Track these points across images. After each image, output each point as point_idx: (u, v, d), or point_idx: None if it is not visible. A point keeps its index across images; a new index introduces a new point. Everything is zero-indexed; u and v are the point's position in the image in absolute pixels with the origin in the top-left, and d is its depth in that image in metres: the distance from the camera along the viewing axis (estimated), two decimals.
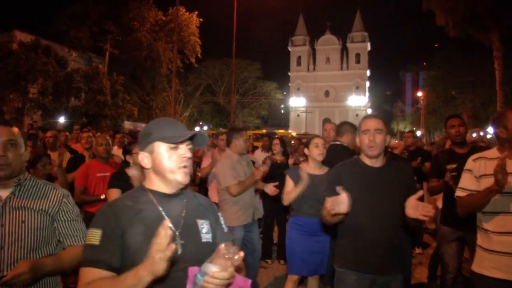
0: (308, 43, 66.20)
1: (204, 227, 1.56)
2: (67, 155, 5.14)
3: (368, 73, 63.67)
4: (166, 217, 1.47)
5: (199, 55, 31.45)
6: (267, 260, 5.64)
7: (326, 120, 4.79)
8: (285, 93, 63.59)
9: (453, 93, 37.80)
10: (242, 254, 1.27)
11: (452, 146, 3.84)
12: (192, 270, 1.34)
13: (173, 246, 1.17)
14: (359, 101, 60.58)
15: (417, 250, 5.94)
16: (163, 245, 1.16)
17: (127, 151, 3.48)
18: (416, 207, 2.19)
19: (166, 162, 1.49)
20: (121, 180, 3.35)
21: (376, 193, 2.42)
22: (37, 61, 20.47)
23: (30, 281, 1.57)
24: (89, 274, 1.34)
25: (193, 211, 1.58)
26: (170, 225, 1.25)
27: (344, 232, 2.56)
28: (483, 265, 2.43)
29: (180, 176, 1.50)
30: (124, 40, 29.08)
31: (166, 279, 1.29)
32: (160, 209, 1.49)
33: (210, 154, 5.45)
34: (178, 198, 1.56)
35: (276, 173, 5.03)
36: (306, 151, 3.75)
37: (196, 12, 30.59)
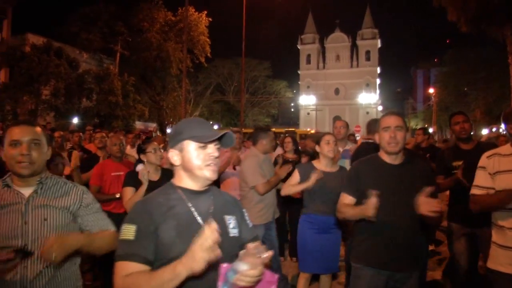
0: (317, 41, 66.06)
1: (231, 222, 1.62)
2: (76, 154, 5.23)
3: (378, 70, 63.33)
4: (196, 212, 1.54)
5: (208, 54, 31.54)
6: (280, 258, 5.62)
7: (337, 118, 4.84)
8: (294, 91, 63.55)
9: (465, 89, 37.42)
10: (270, 253, 1.32)
11: (457, 142, 3.85)
12: (224, 267, 1.38)
13: (219, 251, 1.23)
14: (369, 99, 60.24)
15: (430, 247, 5.93)
16: (206, 245, 1.22)
17: (141, 150, 3.54)
18: (427, 204, 2.22)
19: (194, 160, 1.55)
20: (135, 178, 3.43)
21: (396, 190, 2.44)
22: (50, 63, 20.70)
23: (60, 255, 1.62)
24: (126, 267, 1.39)
25: (221, 207, 1.63)
26: (215, 224, 1.26)
27: (362, 229, 2.58)
28: (499, 261, 2.43)
29: (208, 173, 1.55)
30: (134, 41, 29.29)
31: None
32: (190, 205, 1.55)
33: (223, 152, 5.47)
34: (206, 194, 1.62)
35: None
36: (317, 148, 3.79)
37: (205, 12, 30.69)
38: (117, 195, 3.87)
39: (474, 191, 2.56)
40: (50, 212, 1.80)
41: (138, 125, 28.10)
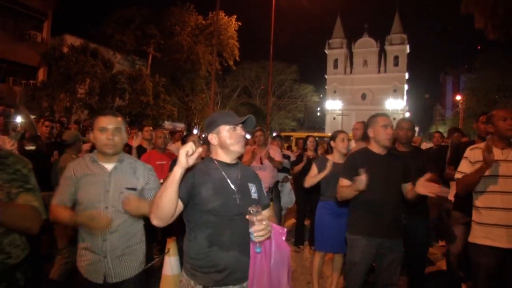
0: (345, 45, 65.95)
1: (253, 188, 2.15)
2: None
3: (406, 76, 62.66)
4: (228, 178, 2.06)
5: (237, 58, 32.11)
6: (300, 246, 6.30)
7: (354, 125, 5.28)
8: (321, 95, 63.59)
9: (496, 96, 36.74)
10: (264, 212, 1.95)
11: (476, 139, 4.27)
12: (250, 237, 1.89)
13: (200, 149, 1.78)
14: (396, 105, 59.65)
15: (441, 243, 6.27)
16: (187, 149, 1.75)
17: (184, 141, 4.04)
18: (426, 186, 2.79)
19: (228, 139, 2.09)
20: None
21: (384, 175, 3.04)
22: (86, 63, 21.65)
23: (134, 212, 2.20)
24: None
25: (246, 177, 2.17)
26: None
27: (357, 206, 3.18)
28: (476, 235, 3.04)
29: (238, 147, 2.11)
30: (166, 43, 30.16)
31: (229, 221, 1.98)
32: (223, 173, 2.07)
33: (250, 149, 6.00)
34: (235, 166, 2.16)
35: (309, 166, 5.67)
36: (332, 143, 4.44)
37: (235, 16, 31.29)
38: (161, 181, 4.34)
39: (457, 175, 3.20)
40: (125, 183, 2.29)
41: (167, 124, 28.85)
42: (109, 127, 2.29)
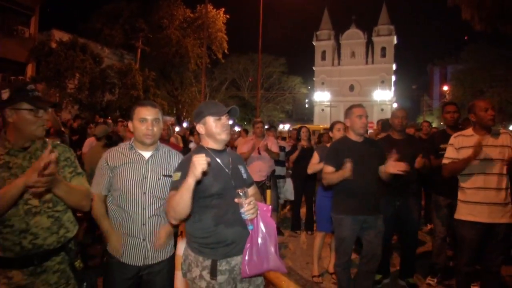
0: (333, 37, 66.23)
1: (242, 170, 2.45)
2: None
3: (394, 67, 63.25)
4: (222, 164, 2.33)
5: (226, 51, 32.18)
6: (297, 231, 6.74)
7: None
8: (309, 87, 63.88)
9: (482, 87, 37.30)
10: (249, 190, 2.26)
11: (447, 129, 4.60)
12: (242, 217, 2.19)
13: (205, 165, 1.96)
14: (384, 96, 60.34)
15: (429, 226, 6.66)
16: (198, 161, 1.95)
17: (192, 132, 4.29)
18: (394, 166, 3.25)
19: (214, 128, 2.33)
20: (186, 153, 4.20)
21: (362, 159, 3.40)
22: (75, 58, 21.56)
23: None
24: (173, 193, 2.15)
25: (235, 160, 2.45)
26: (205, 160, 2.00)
27: (340, 189, 3.56)
28: (461, 212, 3.45)
29: (224, 135, 2.34)
30: (154, 37, 30.11)
31: (230, 201, 2.19)
32: (218, 160, 2.33)
33: (248, 140, 6.31)
34: (224, 152, 2.42)
35: (304, 155, 6.30)
36: (330, 133, 4.82)
37: (223, 9, 31.33)
38: None
39: (444, 161, 3.58)
40: (161, 171, 2.49)
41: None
42: (148, 118, 2.43)
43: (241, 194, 2.11)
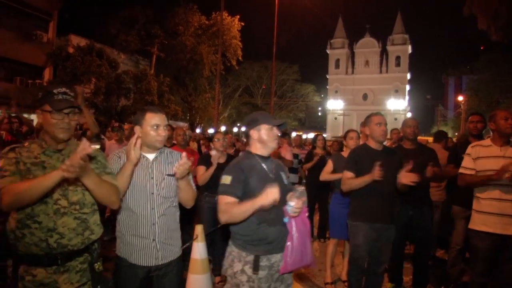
0: (347, 45, 66.11)
1: (284, 176, 2.63)
2: None
3: (408, 76, 62.84)
4: (267, 169, 2.50)
5: (240, 58, 32.39)
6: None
7: (361, 125, 5.51)
8: (322, 95, 63.82)
9: (497, 97, 36.79)
10: (303, 190, 2.38)
11: (470, 138, 4.55)
12: (285, 207, 2.39)
13: (277, 198, 2.16)
14: (398, 105, 59.84)
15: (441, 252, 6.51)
16: (275, 193, 2.15)
17: (210, 139, 4.36)
18: (406, 177, 3.27)
19: (266, 136, 2.53)
20: (207, 160, 4.45)
21: (381, 167, 3.33)
22: (92, 63, 21.91)
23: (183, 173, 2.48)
24: (225, 198, 2.39)
25: (278, 167, 2.64)
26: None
27: (358, 195, 3.57)
28: (475, 222, 3.44)
29: (274, 144, 2.57)
30: (169, 43, 30.47)
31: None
32: (263, 165, 2.50)
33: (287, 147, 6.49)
34: (269, 159, 2.58)
35: (320, 163, 6.21)
36: (344, 141, 4.88)
37: (238, 16, 31.57)
38: None
39: (461, 170, 3.57)
40: (166, 171, 2.57)
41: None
42: (161, 124, 2.52)
43: (298, 190, 2.31)
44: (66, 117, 2.01)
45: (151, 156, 2.59)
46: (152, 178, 2.53)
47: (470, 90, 40.61)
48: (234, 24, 31.39)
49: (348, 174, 3.58)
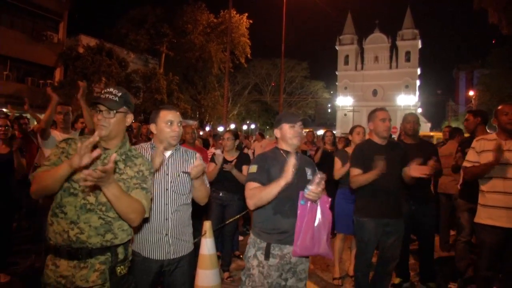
0: (356, 41, 65.79)
1: (308, 171, 2.73)
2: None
3: (418, 71, 62.35)
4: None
5: (248, 55, 32.40)
6: None
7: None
8: (332, 92, 63.55)
9: (510, 92, 36.26)
10: (324, 177, 2.41)
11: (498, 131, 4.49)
12: (301, 192, 2.47)
13: (319, 192, 2.36)
14: (408, 101, 59.33)
15: (452, 232, 6.53)
16: (291, 168, 2.34)
17: (218, 137, 4.45)
18: (418, 169, 3.29)
19: (288, 134, 2.71)
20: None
21: (386, 161, 3.33)
22: (102, 63, 22.14)
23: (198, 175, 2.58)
24: (251, 184, 2.57)
25: (303, 162, 2.75)
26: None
27: (364, 192, 3.56)
28: (481, 216, 3.45)
29: (295, 141, 2.71)
30: (178, 42, 30.62)
31: (290, 195, 2.49)
32: (287, 159, 2.53)
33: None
34: (295, 154, 2.60)
35: (328, 159, 6.23)
36: (349, 137, 4.89)
37: (247, 14, 31.58)
38: None
39: (465, 164, 3.59)
40: (180, 168, 2.64)
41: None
42: (174, 121, 2.61)
43: (319, 175, 2.35)
44: (102, 116, 2.06)
45: (167, 153, 2.66)
46: (167, 174, 2.60)
47: (482, 84, 40.07)
48: (242, 21, 31.42)
49: (356, 171, 3.57)
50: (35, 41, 23.62)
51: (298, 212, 2.48)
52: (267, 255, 2.55)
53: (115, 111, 2.06)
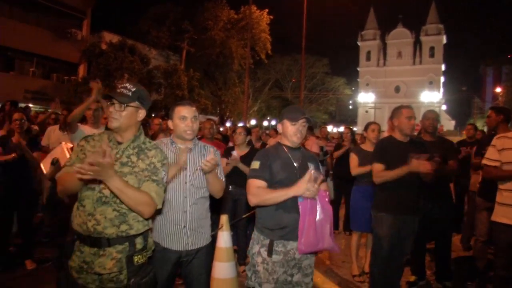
0: (378, 37, 64.95)
1: (311, 166, 2.65)
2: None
3: (443, 67, 61.11)
4: (292, 158, 2.64)
5: (269, 51, 32.37)
6: (335, 231, 6.56)
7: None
8: (353, 88, 62.91)
9: None
10: (321, 176, 2.39)
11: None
12: None
13: (316, 189, 2.36)
14: (432, 97, 58.27)
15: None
16: (305, 184, 2.35)
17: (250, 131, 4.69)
18: (419, 164, 3.24)
19: (289, 131, 2.68)
20: (228, 153, 4.69)
21: (406, 159, 3.32)
22: (124, 59, 22.49)
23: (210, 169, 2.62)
24: (254, 182, 2.57)
25: (306, 157, 2.75)
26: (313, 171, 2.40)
27: (385, 187, 3.54)
28: (497, 214, 3.39)
29: (295, 138, 2.67)
30: (199, 38, 30.83)
31: (289, 186, 2.46)
32: (289, 155, 2.65)
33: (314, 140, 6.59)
34: (298, 149, 2.74)
35: (345, 156, 6.18)
36: (364, 133, 4.89)
37: (267, 10, 31.54)
38: None
39: (485, 161, 3.51)
40: (198, 163, 2.70)
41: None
42: (188, 116, 2.66)
43: (312, 172, 2.36)
44: (112, 107, 2.15)
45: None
46: (186, 168, 2.67)
47: (510, 81, 39.01)
48: (263, 17, 31.41)
49: (379, 166, 3.56)
50: (60, 38, 24.18)
51: (300, 209, 2.47)
52: (270, 252, 2.55)
53: (125, 104, 2.13)
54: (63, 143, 4.37)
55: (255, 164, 2.61)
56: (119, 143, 2.19)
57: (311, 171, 2.39)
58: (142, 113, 2.23)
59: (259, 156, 2.66)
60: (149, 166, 2.16)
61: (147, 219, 2.19)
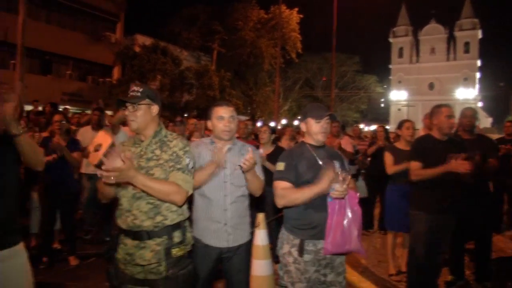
0: (410, 33, 63.49)
1: (337, 164, 2.61)
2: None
3: (478, 63, 59.13)
4: (317, 157, 2.63)
5: (299, 50, 32.29)
6: (369, 230, 6.70)
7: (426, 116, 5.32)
8: (385, 86, 61.71)
9: None
10: (349, 177, 2.42)
11: None
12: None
13: (344, 190, 2.36)
14: (467, 94, 56.41)
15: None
16: (329, 179, 2.36)
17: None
18: (457, 164, 3.19)
19: (313, 129, 2.69)
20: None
21: (444, 158, 3.30)
22: (157, 61, 22.95)
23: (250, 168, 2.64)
24: (280, 184, 2.59)
25: (331, 156, 2.73)
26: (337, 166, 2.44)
27: (423, 185, 3.52)
28: None
29: (320, 136, 2.69)
30: (229, 39, 31.09)
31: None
32: (313, 153, 2.65)
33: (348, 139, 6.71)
34: (322, 148, 2.75)
35: (380, 154, 5.98)
36: (398, 131, 4.86)
37: (297, 9, 31.44)
38: None
39: None
40: (238, 162, 2.71)
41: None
42: (225, 116, 2.73)
43: (342, 174, 2.36)
44: (127, 110, 2.28)
45: (225, 147, 2.78)
46: (225, 167, 2.74)
47: None
48: (292, 16, 31.35)
49: (417, 164, 3.55)
50: (95, 41, 24.98)
51: (328, 209, 2.48)
52: (301, 252, 2.55)
53: (136, 104, 2.23)
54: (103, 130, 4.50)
55: (280, 166, 2.63)
56: (141, 141, 2.32)
57: (337, 171, 2.38)
58: (155, 109, 2.32)
59: (283, 157, 2.68)
60: (172, 156, 2.25)
61: (181, 209, 2.29)
